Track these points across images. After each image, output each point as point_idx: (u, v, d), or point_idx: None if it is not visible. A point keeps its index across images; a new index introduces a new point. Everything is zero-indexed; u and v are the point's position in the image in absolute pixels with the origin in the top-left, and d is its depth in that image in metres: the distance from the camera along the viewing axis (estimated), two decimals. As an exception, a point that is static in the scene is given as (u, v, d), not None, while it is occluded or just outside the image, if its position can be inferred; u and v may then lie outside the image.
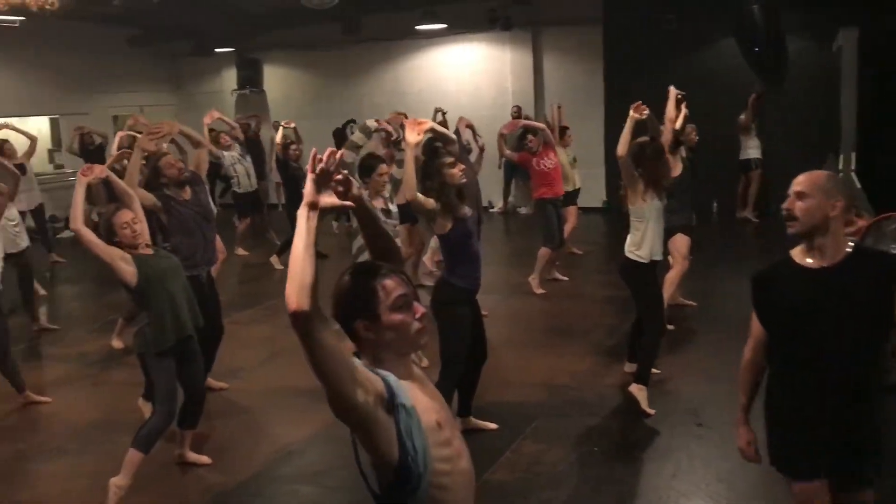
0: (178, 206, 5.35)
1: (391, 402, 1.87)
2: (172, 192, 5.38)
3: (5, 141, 10.76)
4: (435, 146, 4.98)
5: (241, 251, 10.83)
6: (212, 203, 5.79)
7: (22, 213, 8.29)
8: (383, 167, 5.31)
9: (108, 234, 4.22)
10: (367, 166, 5.23)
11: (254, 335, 7.21)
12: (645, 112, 5.21)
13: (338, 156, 1.84)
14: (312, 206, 1.82)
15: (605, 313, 7.31)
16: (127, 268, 4.17)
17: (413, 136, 4.41)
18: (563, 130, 9.27)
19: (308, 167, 1.84)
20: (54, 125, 15.07)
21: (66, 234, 12.80)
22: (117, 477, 4.14)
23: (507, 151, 8.97)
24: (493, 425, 4.94)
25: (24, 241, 7.52)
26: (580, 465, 4.48)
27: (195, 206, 5.42)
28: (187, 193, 5.43)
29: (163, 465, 4.65)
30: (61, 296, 9.44)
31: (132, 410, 5.25)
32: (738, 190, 11.87)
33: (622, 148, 5.00)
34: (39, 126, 15.33)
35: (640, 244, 5.05)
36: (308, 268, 1.75)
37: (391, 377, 1.91)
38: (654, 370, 5.60)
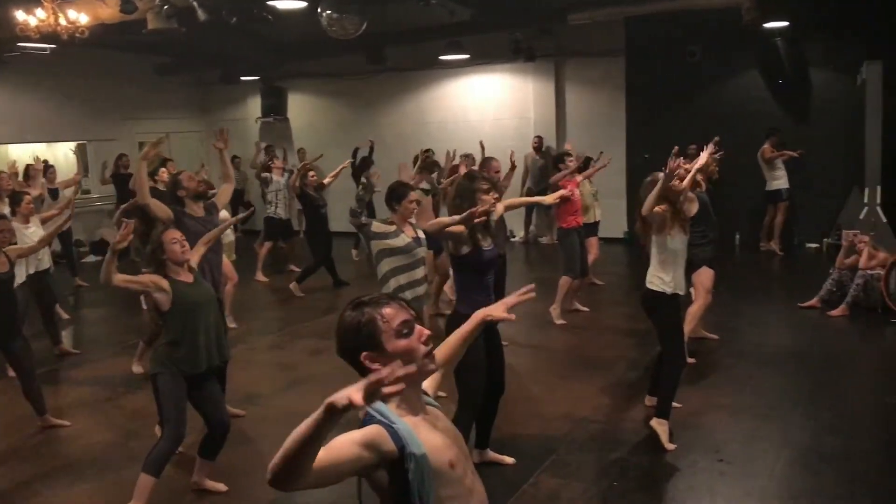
0: (189, 221, 5.40)
1: (402, 454, 1.86)
2: (188, 206, 5.50)
3: (50, 165, 10.98)
4: (472, 171, 4.96)
5: (261, 277, 10.88)
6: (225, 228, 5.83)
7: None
8: (413, 194, 5.27)
9: (158, 250, 4.24)
10: (398, 194, 5.19)
11: (273, 361, 7.21)
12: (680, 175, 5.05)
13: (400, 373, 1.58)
14: (333, 407, 1.58)
15: (627, 346, 7.24)
16: (161, 295, 4.20)
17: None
18: (588, 161, 9.28)
19: (378, 374, 1.57)
20: (82, 150, 15.27)
21: (90, 258, 12.96)
22: (130, 502, 4.13)
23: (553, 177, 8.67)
24: (510, 459, 4.88)
25: (46, 263, 7.58)
26: (600, 500, 4.41)
27: (207, 225, 5.46)
28: (201, 210, 5.54)
29: (176, 491, 4.64)
30: (84, 319, 9.51)
31: (150, 436, 5.24)
32: (763, 221, 11.79)
33: (647, 209, 4.90)
34: (66, 151, 15.58)
35: (664, 276, 5.00)
36: (299, 456, 1.65)
37: (401, 426, 1.88)
38: (675, 404, 5.53)
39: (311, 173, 10.16)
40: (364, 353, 1.96)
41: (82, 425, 5.88)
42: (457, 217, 4.27)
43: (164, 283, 4.21)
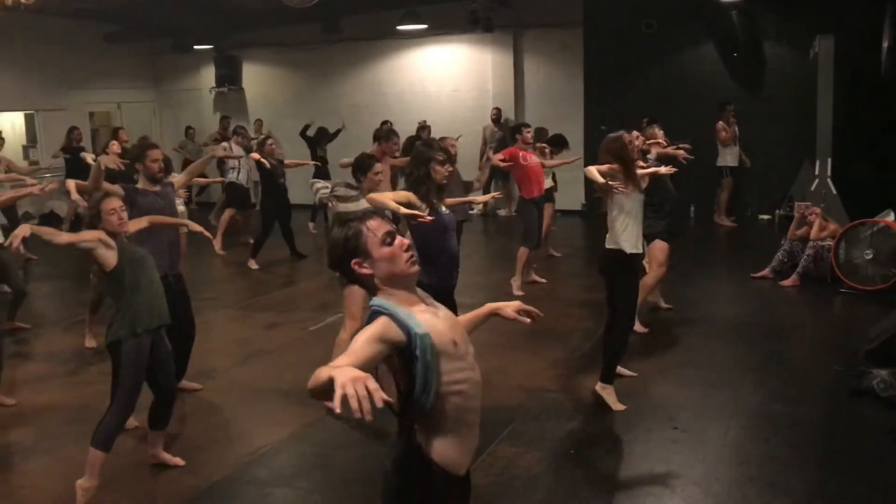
0: (142, 199, 5.14)
1: (408, 337, 2.11)
2: (143, 183, 5.27)
3: None
4: (430, 140, 4.94)
5: (218, 250, 10.70)
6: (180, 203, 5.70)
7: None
8: (377, 166, 5.25)
9: (94, 219, 4.16)
10: (363, 166, 5.20)
11: (229, 336, 7.14)
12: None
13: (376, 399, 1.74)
14: (335, 380, 1.76)
15: (583, 316, 7.32)
16: (108, 251, 4.11)
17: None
18: (541, 132, 9.35)
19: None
20: (29, 121, 14.87)
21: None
22: (83, 478, 4.09)
23: (492, 156, 8.68)
24: None
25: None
26: (556, 468, 4.47)
27: (163, 198, 5.26)
28: (157, 187, 5.31)
29: (134, 465, 4.60)
30: (33, 293, 9.27)
31: (104, 410, 5.18)
32: (715, 195, 11.96)
33: (593, 178, 4.92)
34: (14, 121, 15.15)
35: (622, 234, 5.05)
36: (321, 383, 1.85)
37: (401, 313, 2.14)
38: (629, 373, 5.62)
39: (270, 141, 10.02)
40: (353, 261, 2.22)
41: (33, 401, 5.77)
42: (402, 209, 4.25)
43: (110, 240, 4.14)
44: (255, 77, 15.64)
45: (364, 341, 2.05)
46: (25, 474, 4.68)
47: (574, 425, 5.06)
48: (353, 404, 1.68)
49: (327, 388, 1.79)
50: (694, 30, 12.20)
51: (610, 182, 4.82)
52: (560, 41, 13.19)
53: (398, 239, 2.25)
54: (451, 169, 4.63)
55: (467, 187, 7.58)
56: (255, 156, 9.54)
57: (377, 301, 2.21)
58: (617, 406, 5.15)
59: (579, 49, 13.06)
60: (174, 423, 4.70)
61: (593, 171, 4.89)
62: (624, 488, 4.26)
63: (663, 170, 5.85)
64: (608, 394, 5.18)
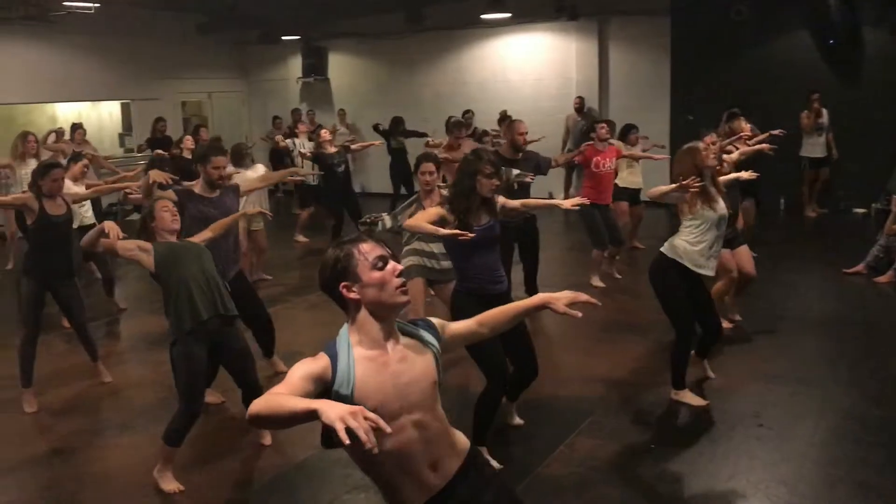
0: (195, 206, 5.10)
1: (330, 389, 2.09)
2: (200, 187, 5.21)
3: (80, 125, 11.15)
4: (480, 151, 4.69)
5: (301, 238, 10.99)
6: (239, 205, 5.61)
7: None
8: (424, 165, 5.10)
9: (148, 217, 4.34)
10: (416, 165, 5.20)
11: (313, 320, 7.31)
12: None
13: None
14: (318, 416, 1.78)
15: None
16: (146, 258, 4.27)
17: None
18: (629, 128, 9.19)
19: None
20: (125, 110, 15.47)
21: (134, 216, 13.15)
22: (157, 467, 4.26)
23: (565, 157, 8.47)
24: (520, 421, 4.88)
25: (91, 219, 7.75)
26: (636, 462, 4.42)
27: (217, 206, 5.16)
28: (215, 193, 5.24)
29: (221, 444, 4.75)
30: (126, 276, 9.68)
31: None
32: (803, 187, 11.58)
33: (656, 197, 4.79)
34: (111, 110, 15.79)
35: (678, 244, 4.90)
36: (287, 412, 1.84)
37: (342, 364, 2.11)
38: (711, 374, 5.48)
39: (323, 131, 10.02)
40: (342, 284, 2.17)
41: (129, 379, 6.04)
42: (440, 231, 4.06)
43: (148, 246, 4.28)
44: (341, 67, 15.87)
45: (300, 377, 2.04)
46: (119, 449, 4.91)
47: (654, 419, 4.99)
48: (362, 436, 1.69)
49: (298, 419, 1.81)
50: (786, 17, 11.77)
51: (683, 182, 4.63)
52: (647, 28, 12.93)
53: (390, 264, 2.19)
54: (497, 183, 4.35)
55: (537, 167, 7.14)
56: (280, 138, 9.54)
57: (341, 334, 2.19)
58: (698, 402, 5.06)
59: (666, 37, 12.78)
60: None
61: (658, 190, 4.76)
62: (705, 485, 4.17)
63: (745, 175, 5.66)
64: (683, 395, 5.10)
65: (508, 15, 12.77)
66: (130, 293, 8.48)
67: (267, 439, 4.74)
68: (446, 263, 5.00)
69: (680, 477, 4.28)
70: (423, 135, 11.77)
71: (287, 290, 8.48)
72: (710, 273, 5.03)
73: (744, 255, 6.33)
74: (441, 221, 4.16)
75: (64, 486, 4.46)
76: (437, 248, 5.06)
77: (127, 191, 6.66)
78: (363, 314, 2.18)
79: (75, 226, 7.18)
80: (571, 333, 6.82)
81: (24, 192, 5.45)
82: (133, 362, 6.55)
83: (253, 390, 4.51)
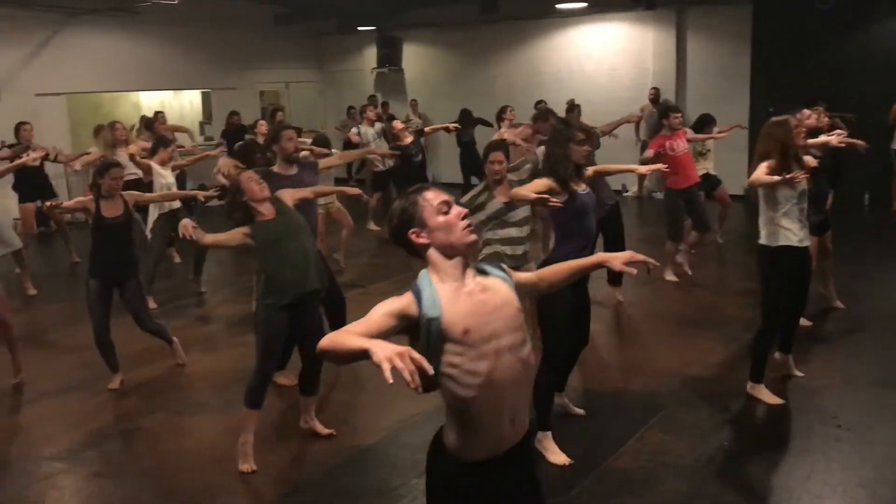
0: (276, 184, 5.09)
1: (419, 318, 2.18)
2: (279, 166, 5.36)
3: (161, 112, 11.49)
4: (569, 119, 4.83)
5: (372, 226, 11.09)
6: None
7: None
8: (493, 155, 5.08)
9: (237, 194, 4.37)
10: (485, 152, 5.17)
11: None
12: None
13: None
14: (369, 356, 1.88)
15: (743, 305, 7.03)
16: (249, 241, 4.33)
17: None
18: (705, 118, 8.92)
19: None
20: (205, 99, 15.86)
21: (214, 202, 13.46)
22: (242, 434, 4.38)
23: (648, 153, 8.26)
24: (580, 411, 4.88)
25: (177, 203, 7.97)
26: (708, 459, 4.35)
27: (296, 184, 5.18)
28: (293, 170, 5.37)
29: (294, 426, 4.86)
30: (207, 259, 9.97)
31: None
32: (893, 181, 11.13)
33: (756, 181, 4.70)
34: (192, 99, 16.21)
35: (765, 227, 4.80)
36: (346, 349, 1.99)
37: (427, 293, 2.20)
38: (798, 373, 5.34)
39: (395, 122, 10.13)
40: (410, 230, 2.27)
41: (204, 362, 6.22)
42: (532, 195, 4.27)
43: (245, 229, 4.34)
44: (414, 57, 15.94)
45: (381, 314, 2.15)
46: (198, 428, 5.07)
47: (728, 416, 4.90)
48: (406, 377, 1.77)
49: (355, 357, 1.94)
50: (876, 4, 11.32)
51: (787, 176, 4.53)
52: (727, 18, 12.60)
53: (454, 208, 2.28)
54: (589, 149, 4.55)
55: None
56: (353, 135, 9.66)
57: (421, 275, 2.27)
58: (773, 399, 4.94)
59: (747, 26, 12.44)
60: (334, 388, 4.91)
61: (760, 177, 4.66)
62: (779, 485, 4.07)
63: (834, 140, 5.46)
64: (759, 391, 4.99)
65: (584, 5, 12.62)
66: (209, 277, 8.71)
67: (331, 430, 4.78)
68: (522, 248, 5.06)
69: (753, 476, 4.20)
70: (490, 125, 11.78)
71: (357, 276, 8.60)
72: (808, 242, 4.93)
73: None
74: (549, 192, 4.30)
75: (144, 460, 4.63)
76: (516, 231, 5.07)
77: (199, 198, 6.83)
78: (436, 256, 2.26)
79: (163, 211, 7.49)
80: (644, 327, 6.74)
81: (85, 194, 5.61)
82: (209, 344, 6.75)
83: (317, 365, 4.60)
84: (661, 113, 8.18)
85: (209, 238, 4.35)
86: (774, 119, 4.86)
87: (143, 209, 7.41)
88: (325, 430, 4.77)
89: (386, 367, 1.79)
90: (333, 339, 2.03)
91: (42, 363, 6.22)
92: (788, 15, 11.93)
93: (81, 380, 5.84)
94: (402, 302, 2.19)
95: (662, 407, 4.98)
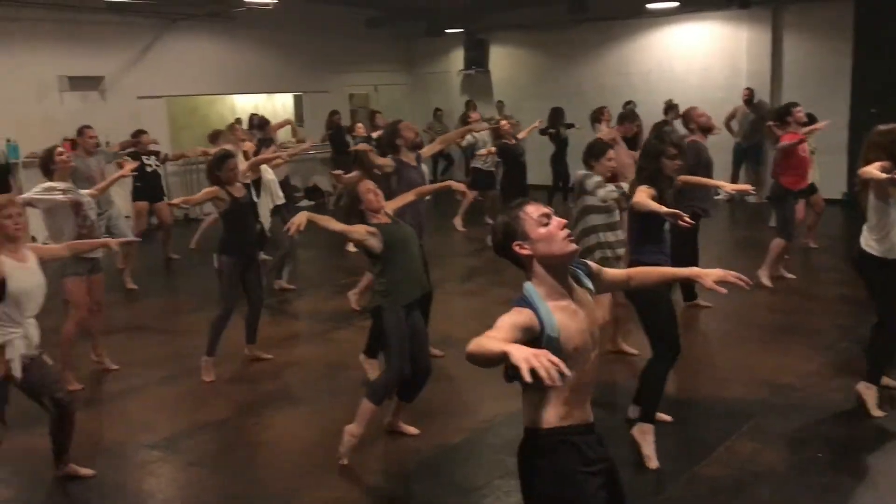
0: (407, 171, 5.74)
1: (541, 334, 2.29)
2: (404, 155, 5.80)
3: (256, 115, 11.82)
4: (664, 130, 4.91)
5: (459, 226, 11.07)
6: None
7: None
8: (611, 152, 5.41)
9: (354, 201, 4.48)
10: (597, 150, 5.43)
11: (468, 307, 7.45)
12: None
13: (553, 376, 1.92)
14: (508, 358, 1.98)
15: (839, 314, 6.78)
16: (374, 241, 4.39)
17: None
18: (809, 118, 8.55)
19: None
20: (297, 101, 16.24)
21: (304, 202, 13.81)
22: (352, 425, 4.42)
23: (783, 140, 7.93)
24: (668, 417, 4.76)
25: (281, 199, 8.22)
26: (801, 469, 4.21)
27: (418, 173, 5.82)
28: (413, 159, 5.85)
29: (380, 424, 4.93)
30: (296, 259, 10.23)
31: (356, 367, 5.64)
32: None
33: (866, 174, 4.51)
34: (284, 102, 16.62)
35: (873, 240, 4.61)
36: (489, 352, 2.08)
37: (542, 311, 2.31)
38: (889, 381, 5.12)
39: (503, 122, 10.15)
40: (514, 243, 2.40)
41: (289, 357, 6.38)
42: (662, 209, 4.18)
43: (375, 230, 4.42)
44: (501, 59, 15.95)
45: (510, 326, 2.24)
46: (287, 420, 5.21)
47: (823, 428, 4.73)
48: (543, 374, 1.89)
49: (496, 360, 2.05)
50: None
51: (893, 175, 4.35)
52: (827, 16, 12.15)
53: (554, 219, 2.40)
54: (681, 163, 4.61)
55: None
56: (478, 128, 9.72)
57: (527, 290, 2.38)
58: (876, 412, 4.73)
59: (849, 25, 11.97)
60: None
61: (871, 170, 4.48)
62: (875, 501, 3.92)
63: None
64: (870, 395, 4.77)
65: (675, 4, 12.38)
66: (298, 275, 8.92)
67: (414, 429, 4.83)
68: (621, 250, 5.30)
69: (848, 490, 4.05)
70: (572, 125, 11.72)
71: (443, 276, 8.65)
72: None
73: None
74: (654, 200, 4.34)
75: (238, 451, 4.80)
76: (613, 236, 5.40)
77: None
78: (539, 268, 2.39)
79: (270, 206, 7.79)
80: (735, 334, 6.57)
81: (209, 189, 5.92)
82: (298, 340, 6.92)
83: (427, 373, 4.64)
84: (780, 111, 7.80)
85: (338, 226, 4.46)
86: (882, 127, 4.67)
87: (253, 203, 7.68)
88: (410, 430, 4.83)
89: (524, 368, 1.91)
90: (478, 344, 2.12)
91: (141, 353, 6.52)
92: (892, 11, 11.42)
93: (179, 371, 6.08)
94: (524, 317, 2.30)
95: (753, 415, 4.85)
